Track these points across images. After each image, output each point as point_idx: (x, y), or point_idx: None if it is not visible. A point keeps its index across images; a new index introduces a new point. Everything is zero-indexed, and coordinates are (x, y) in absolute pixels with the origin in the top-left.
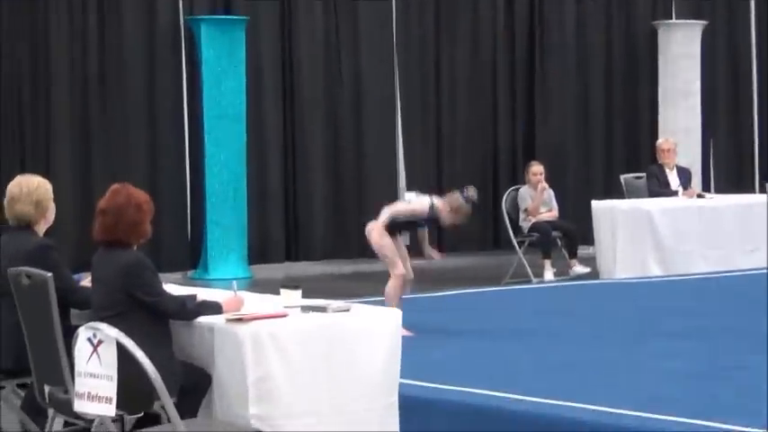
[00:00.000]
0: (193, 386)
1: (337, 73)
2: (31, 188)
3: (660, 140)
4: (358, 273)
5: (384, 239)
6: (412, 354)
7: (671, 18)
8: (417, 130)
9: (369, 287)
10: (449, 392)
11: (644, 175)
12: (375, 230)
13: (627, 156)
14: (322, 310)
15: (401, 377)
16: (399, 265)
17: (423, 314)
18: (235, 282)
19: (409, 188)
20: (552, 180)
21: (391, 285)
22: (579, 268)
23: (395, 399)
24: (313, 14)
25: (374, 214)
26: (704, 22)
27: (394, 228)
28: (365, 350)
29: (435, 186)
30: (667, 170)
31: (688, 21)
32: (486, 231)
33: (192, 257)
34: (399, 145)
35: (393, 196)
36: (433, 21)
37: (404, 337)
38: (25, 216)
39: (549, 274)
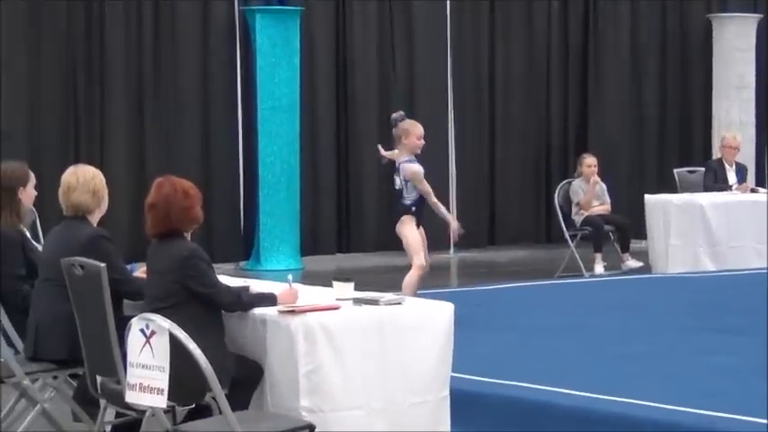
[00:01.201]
0: (245, 378)
1: (390, 66)
2: (88, 177)
3: (728, 136)
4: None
5: (411, 228)
6: (464, 347)
7: (726, 11)
8: (469, 125)
9: (422, 280)
10: (500, 386)
11: (697, 169)
12: (405, 220)
13: (680, 149)
14: (374, 302)
15: (453, 371)
16: (422, 256)
17: (475, 307)
18: (290, 274)
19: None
20: (605, 174)
21: (414, 276)
22: (632, 263)
23: (446, 393)
24: (368, 6)
25: (426, 207)
26: (759, 16)
27: (420, 213)
28: (417, 344)
29: (487, 179)
30: (727, 166)
31: (743, 14)
32: (539, 225)
33: (244, 248)
34: (451, 139)
35: (444, 192)
36: (488, 17)
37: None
38: (82, 205)
39: (599, 267)
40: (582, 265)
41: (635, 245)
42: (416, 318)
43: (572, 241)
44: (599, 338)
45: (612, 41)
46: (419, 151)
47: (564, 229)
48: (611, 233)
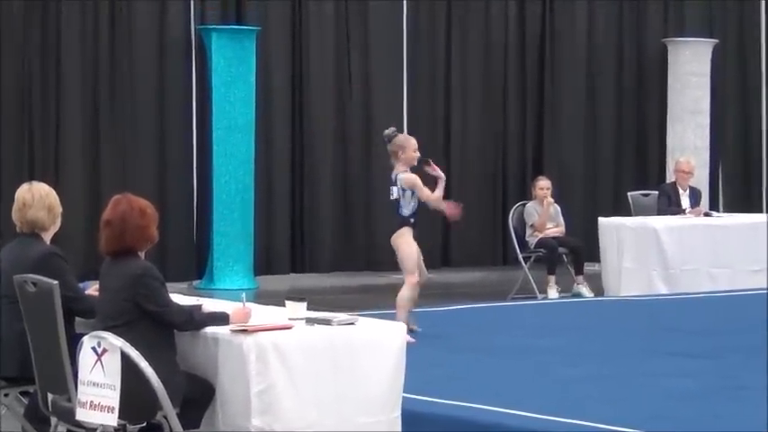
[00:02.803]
0: (196, 397)
1: (347, 86)
2: (43, 194)
3: (681, 160)
4: (365, 285)
5: (408, 242)
6: (416, 368)
7: (681, 36)
8: (424, 145)
9: (375, 300)
10: (452, 408)
11: (651, 192)
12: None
13: (635, 173)
14: (327, 322)
15: (405, 392)
16: (416, 273)
17: (428, 328)
18: (244, 294)
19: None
20: (560, 196)
21: (406, 293)
22: (584, 290)
23: (398, 413)
24: (324, 24)
25: (381, 227)
26: (714, 41)
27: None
28: (370, 364)
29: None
30: (680, 190)
31: (698, 39)
32: (494, 247)
33: (198, 267)
34: None
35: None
36: (444, 39)
37: (408, 349)
38: (38, 222)
39: (552, 291)
40: (535, 287)
41: (589, 267)
42: (369, 338)
43: (526, 263)
44: (552, 360)
45: (568, 65)
46: (415, 163)
47: (518, 250)
48: (564, 255)
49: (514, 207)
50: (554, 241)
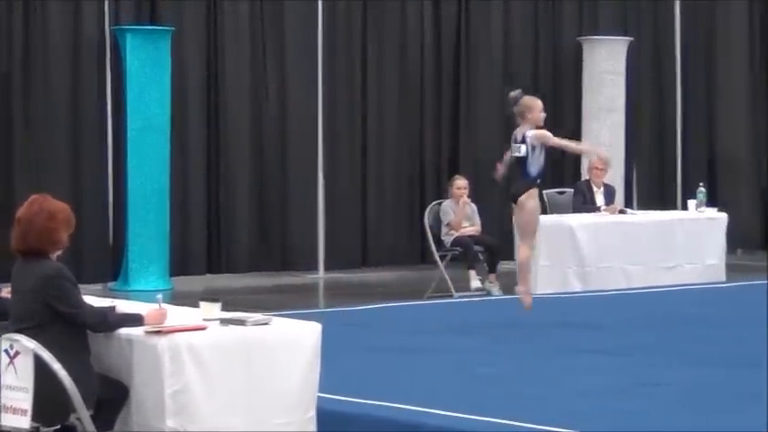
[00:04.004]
0: (110, 398)
1: (263, 86)
2: None
3: (594, 158)
4: (280, 285)
5: (534, 203)
6: (332, 368)
7: (596, 34)
8: (341, 144)
9: (290, 300)
10: (368, 407)
11: (567, 190)
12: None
13: (551, 171)
14: (241, 323)
15: (320, 391)
16: (533, 239)
17: (344, 328)
18: (160, 295)
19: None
20: (477, 195)
21: (525, 253)
22: (495, 289)
23: (313, 413)
24: (239, 27)
25: (297, 228)
26: (629, 39)
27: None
28: (284, 364)
29: (360, 200)
30: (595, 188)
31: (613, 37)
32: (412, 246)
33: (113, 269)
34: (321, 157)
35: (314, 210)
36: (360, 40)
37: (323, 348)
38: None
39: (475, 282)
40: (451, 285)
41: (505, 266)
42: (283, 338)
43: (442, 262)
44: (467, 359)
45: (484, 65)
46: (542, 124)
47: (434, 249)
48: (480, 254)
49: (430, 206)
50: (470, 240)
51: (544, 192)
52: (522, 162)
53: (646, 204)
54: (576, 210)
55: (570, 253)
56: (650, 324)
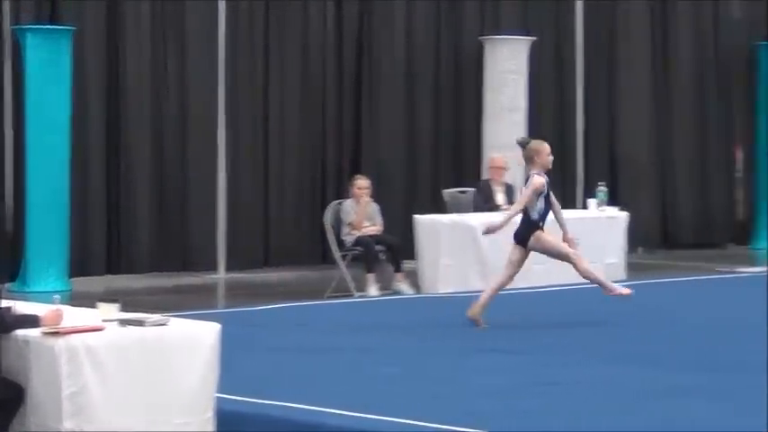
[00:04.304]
0: (6, 400)
1: (164, 86)
2: None
3: (495, 157)
4: (180, 286)
5: (549, 238)
6: (231, 368)
7: (498, 34)
8: (243, 144)
9: (190, 301)
10: (267, 407)
11: (468, 189)
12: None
13: (453, 170)
14: (140, 323)
15: (219, 391)
16: (574, 250)
17: (243, 328)
18: (58, 295)
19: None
20: (378, 194)
21: (583, 263)
22: (404, 287)
23: (211, 414)
24: (140, 26)
25: (197, 228)
26: (531, 38)
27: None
28: (182, 364)
29: (261, 200)
30: (495, 186)
31: (515, 37)
32: (313, 246)
33: (11, 270)
34: (222, 157)
35: (213, 210)
36: (262, 40)
37: (222, 348)
38: None
39: (372, 289)
40: (352, 285)
41: (408, 265)
42: (182, 338)
43: (344, 261)
44: (369, 359)
45: (387, 64)
46: (550, 167)
47: (334, 249)
48: (382, 253)
49: (330, 205)
50: (371, 239)
51: (445, 191)
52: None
53: None
54: (478, 209)
55: (472, 252)
56: (551, 323)
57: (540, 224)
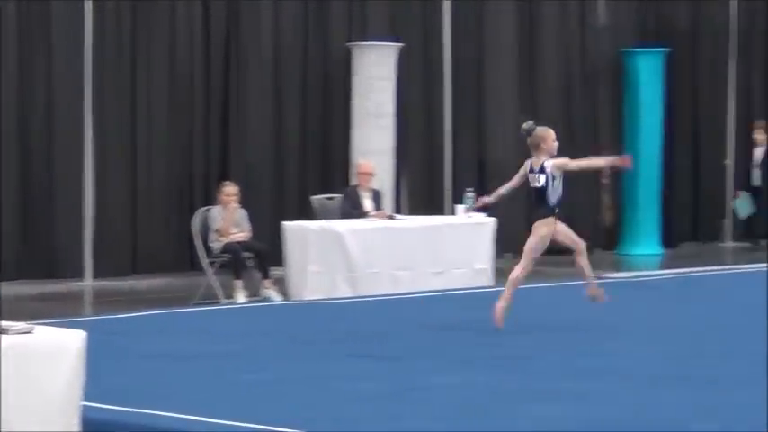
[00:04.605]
0: None
1: (29, 87)
2: None
3: (361, 163)
4: (45, 293)
5: (547, 232)
6: (97, 376)
7: (366, 40)
8: (111, 147)
9: (55, 308)
10: (132, 415)
11: (336, 196)
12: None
13: (321, 177)
14: (3, 331)
15: (85, 400)
16: (531, 262)
17: (110, 336)
18: None
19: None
20: (246, 200)
21: (520, 272)
22: (272, 294)
23: (77, 421)
24: (6, 27)
25: (62, 232)
26: (399, 44)
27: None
28: (47, 373)
29: (129, 205)
30: (363, 192)
31: (383, 42)
32: (181, 252)
33: None
34: (89, 166)
35: (80, 215)
36: (129, 40)
37: (88, 356)
38: None
39: (240, 296)
40: (220, 292)
41: (276, 271)
42: (46, 346)
43: (211, 268)
44: (236, 365)
45: (254, 67)
46: (555, 153)
47: (201, 256)
48: (250, 260)
49: (197, 212)
50: (238, 246)
51: (313, 197)
52: (541, 192)
53: (415, 209)
54: (345, 215)
55: (339, 259)
56: (419, 329)
57: (557, 210)
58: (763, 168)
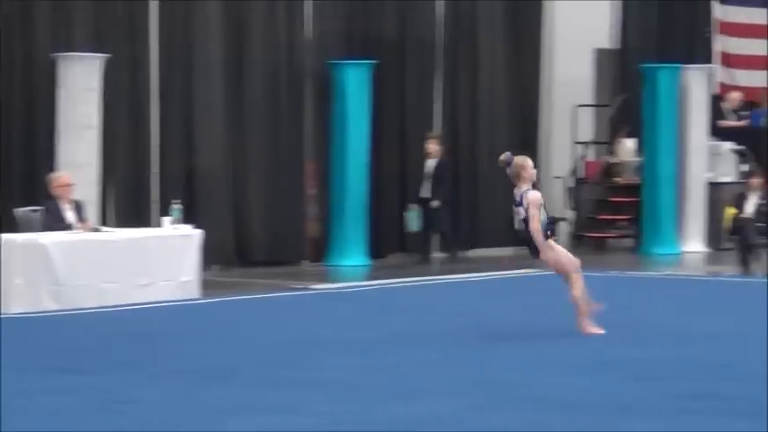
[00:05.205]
0: None
1: None
2: None
3: (57, 175)
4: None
5: (557, 250)
6: None
7: (72, 51)
8: None
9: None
10: None
11: (40, 208)
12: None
13: (25, 189)
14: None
15: None
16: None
17: None
18: None
19: None
20: None
21: (579, 284)
22: None
23: None
24: None
25: None
26: (106, 55)
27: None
28: None
29: None
30: (64, 204)
31: (89, 54)
32: None
33: None
34: None
35: None
36: None
37: None
38: None
39: None
40: None
41: None
42: None
43: None
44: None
45: None
46: (535, 179)
47: None
48: None
49: None
50: None
51: (17, 209)
52: (527, 223)
53: (122, 222)
54: (48, 228)
55: (43, 271)
56: (125, 342)
57: (547, 234)
58: (434, 180)
